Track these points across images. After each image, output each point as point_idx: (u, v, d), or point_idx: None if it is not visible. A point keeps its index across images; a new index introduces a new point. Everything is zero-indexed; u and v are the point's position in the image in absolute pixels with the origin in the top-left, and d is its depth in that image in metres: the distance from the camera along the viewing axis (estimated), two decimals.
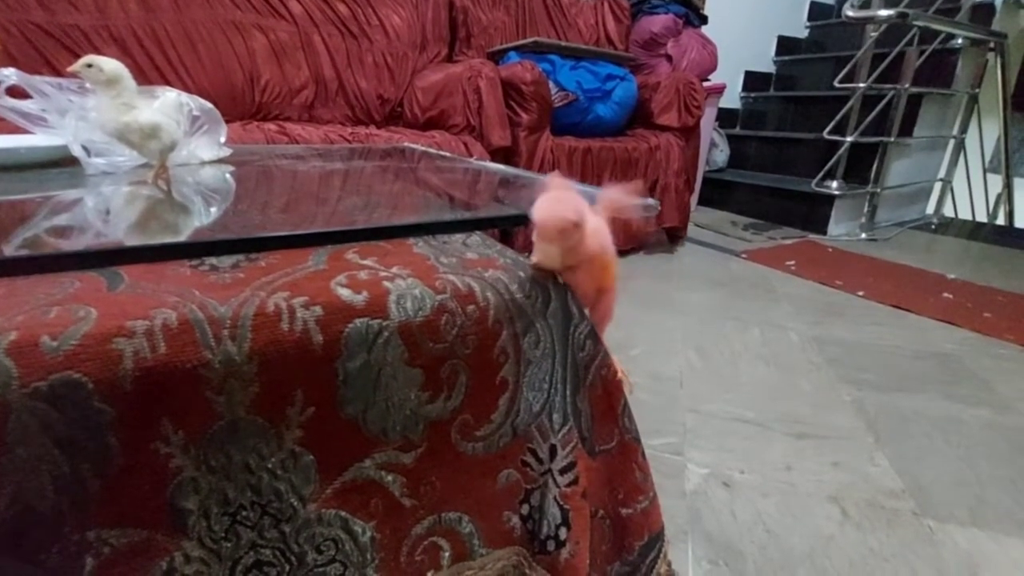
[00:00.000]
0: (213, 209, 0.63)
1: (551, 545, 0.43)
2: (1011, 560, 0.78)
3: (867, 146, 2.75)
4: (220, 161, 0.95)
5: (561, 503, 0.42)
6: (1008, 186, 3.20)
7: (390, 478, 0.38)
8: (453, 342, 0.37)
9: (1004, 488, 0.93)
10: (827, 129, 2.71)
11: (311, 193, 0.72)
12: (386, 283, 0.37)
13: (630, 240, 2.28)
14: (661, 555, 0.49)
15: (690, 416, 1.12)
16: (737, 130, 3.60)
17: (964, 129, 3.07)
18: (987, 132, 3.10)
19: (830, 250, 2.52)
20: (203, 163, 0.92)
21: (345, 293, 0.35)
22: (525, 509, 0.44)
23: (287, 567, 0.37)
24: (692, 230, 2.70)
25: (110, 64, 0.65)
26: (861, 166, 2.83)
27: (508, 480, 0.43)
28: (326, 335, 0.34)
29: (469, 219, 0.52)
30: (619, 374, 0.54)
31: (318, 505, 0.36)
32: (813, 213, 2.83)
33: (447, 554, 0.42)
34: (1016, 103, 3.17)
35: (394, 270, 0.39)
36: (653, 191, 2.27)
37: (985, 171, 3.30)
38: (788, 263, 2.25)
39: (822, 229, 2.79)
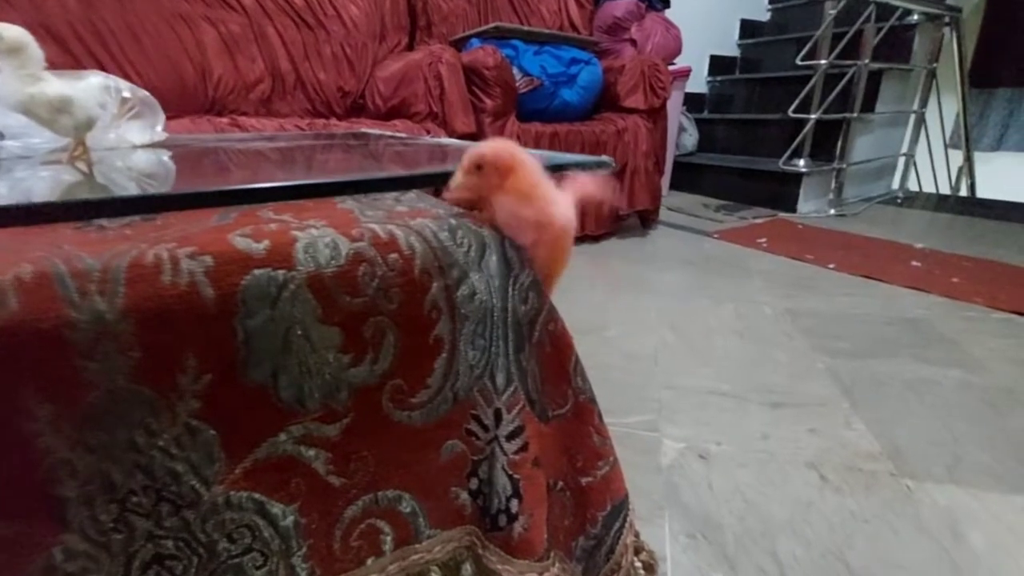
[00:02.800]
0: (135, 189, 0.57)
1: (502, 520, 0.39)
2: (991, 514, 0.77)
3: (831, 123, 2.78)
4: (155, 145, 0.89)
5: (510, 472, 0.38)
6: (969, 159, 3.27)
7: (311, 453, 0.34)
8: (374, 296, 0.33)
9: (980, 445, 0.93)
10: (792, 107, 2.73)
11: (244, 168, 0.67)
12: (294, 232, 0.33)
13: (602, 225, 2.26)
14: (627, 524, 0.45)
15: (665, 392, 1.10)
16: (705, 114, 3.61)
17: (924, 104, 3.12)
18: (946, 107, 3.16)
19: (800, 227, 2.54)
20: (135, 147, 0.86)
21: (242, 242, 0.31)
22: (474, 483, 0.40)
23: (195, 559, 0.32)
24: (664, 214, 2.70)
25: (11, 31, 0.59)
26: (827, 144, 2.86)
27: (452, 452, 0.39)
28: (218, 288, 0.29)
29: (400, 176, 0.48)
30: None
31: (226, 487, 0.32)
32: (782, 192, 2.85)
33: (389, 538, 0.38)
34: (973, 79, 3.24)
35: (308, 222, 0.35)
36: (623, 174, 2.25)
37: (946, 146, 3.37)
38: (760, 241, 2.25)
39: (792, 207, 2.82)
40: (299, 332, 0.32)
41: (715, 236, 2.36)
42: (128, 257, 0.28)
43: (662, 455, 0.90)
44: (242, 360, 0.31)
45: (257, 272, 0.30)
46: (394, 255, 0.34)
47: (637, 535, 0.49)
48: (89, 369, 0.28)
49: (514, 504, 0.39)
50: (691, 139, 3.47)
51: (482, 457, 0.40)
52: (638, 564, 0.48)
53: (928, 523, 0.75)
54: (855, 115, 2.73)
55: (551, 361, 0.40)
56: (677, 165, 3.29)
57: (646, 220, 2.49)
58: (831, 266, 1.91)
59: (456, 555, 0.41)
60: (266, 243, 0.31)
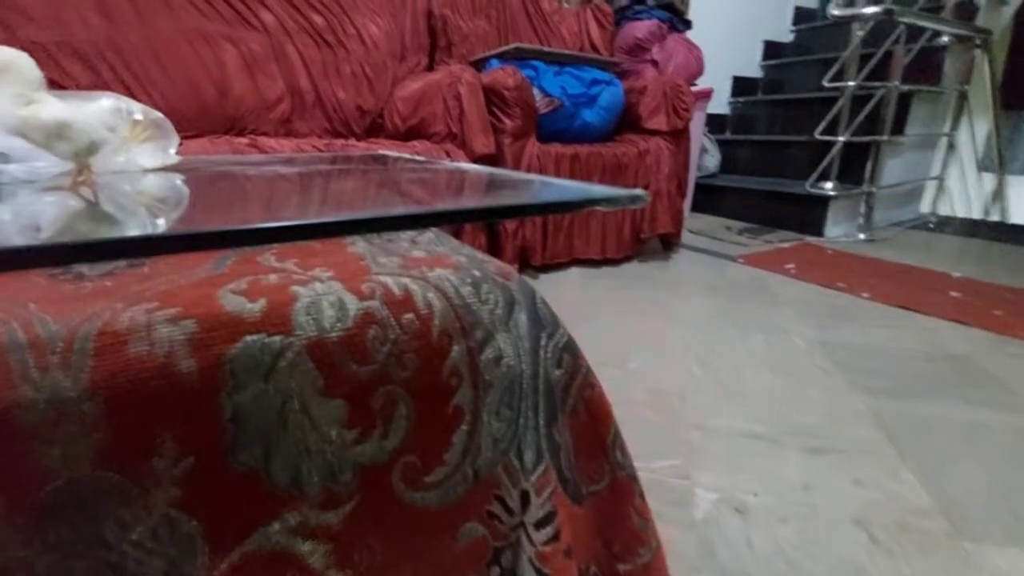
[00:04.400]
0: (137, 217, 0.54)
1: None
2: None
3: (859, 146, 2.70)
4: (167, 169, 0.87)
5: (539, 566, 0.33)
6: (1001, 183, 3.16)
7: (307, 547, 0.29)
8: (385, 362, 0.29)
9: None
10: (819, 129, 2.67)
11: (254, 196, 0.64)
12: (296, 288, 0.28)
13: (623, 248, 2.21)
14: None
15: (695, 433, 1.03)
16: (727, 135, 3.56)
17: (955, 126, 3.03)
18: (978, 130, 3.06)
19: (829, 252, 2.45)
20: (145, 171, 0.83)
21: (233, 302, 0.26)
22: (495, 573, 0.35)
23: None
24: (686, 237, 2.64)
25: (1, 52, 0.56)
26: (854, 167, 2.78)
27: (471, 537, 0.34)
28: (201, 359, 0.25)
29: (419, 214, 0.43)
30: None
31: None
32: (809, 215, 2.77)
33: None
34: (1004, 100, 3.14)
35: (313, 272, 0.30)
36: None
37: (978, 169, 3.26)
38: (787, 266, 2.17)
39: (819, 231, 2.73)
40: (297, 407, 0.27)
41: (740, 261, 2.28)
42: (99, 322, 0.24)
43: (695, 507, 0.83)
44: (229, 441, 0.26)
45: (249, 339, 0.26)
46: (410, 315, 0.29)
47: None
48: (48, 455, 0.23)
49: None
50: (713, 160, 3.41)
51: (505, 544, 0.34)
52: None
53: None
54: (885, 138, 2.66)
55: (587, 432, 0.35)
56: (699, 187, 3.23)
57: (668, 243, 2.43)
58: (865, 295, 1.83)
59: None
60: (262, 303, 0.27)
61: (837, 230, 2.74)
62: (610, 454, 0.35)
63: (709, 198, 3.25)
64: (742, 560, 0.73)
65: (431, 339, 0.30)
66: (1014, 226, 2.99)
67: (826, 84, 2.64)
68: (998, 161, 3.10)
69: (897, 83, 2.61)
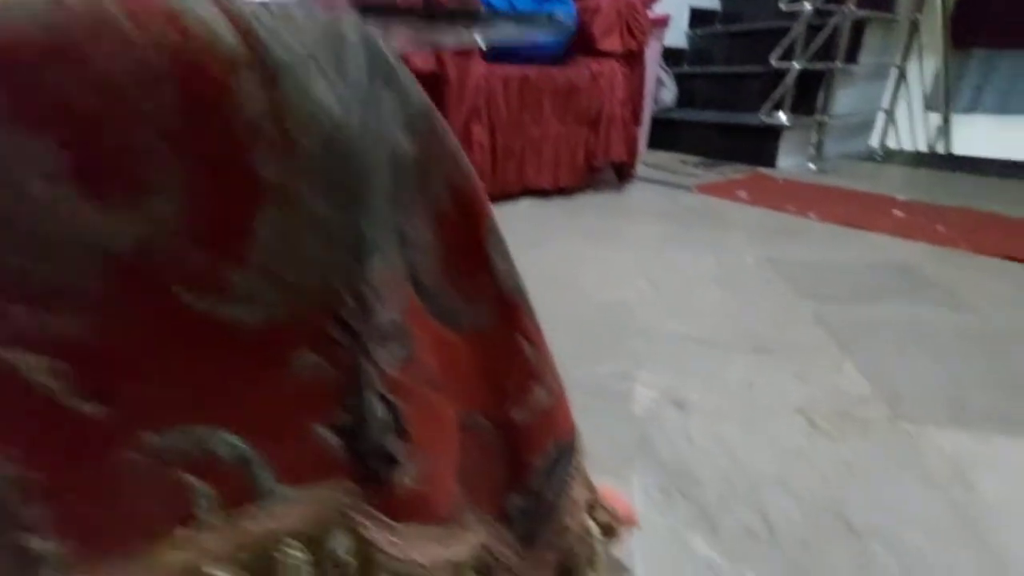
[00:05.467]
0: None
1: (379, 467, 0.26)
2: (1001, 459, 0.68)
3: (813, 76, 2.66)
4: None
5: (386, 395, 0.25)
6: (947, 119, 3.20)
7: (30, 361, 0.20)
8: (123, 91, 0.19)
9: (983, 388, 0.84)
10: (775, 55, 2.60)
11: None
12: None
13: (575, 177, 2.12)
14: (575, 474, 0.33)
15: (641, 341, 0.98)
16: (684, 68, 3.46)
17: (906, 57, 3.02)
18: (927, 67, 3.07)
19: (780, 181, 2.44)
20: None
21: None
22: (343, 418, 0.27)
23: None
24: (642, 170, 2.57)
25: None
26: (808, 97, 2.75)
27: (306, 369, 0.26)
28: None
29: None
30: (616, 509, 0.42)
31: None
32: (762, 147, 2.74)
33: (205, 499, 0.25)
34: (953, 37, 3.14)
35: None
36: (598, 123, 2.10)
37: (925, 108, 3.29)
38: (739, 193, 2.15)
39: (771, 162, 2.72)
40: None
41: (694, 190, 2.24)
42: None
43: (635, 404, 0.79)
44: None
45: None
46: (171, 31, 0.20)
47: (592, 489, 0.38)
48: None
49: (395, 444, 0.26)
50: (670, 94, 3.32)
51: (352, 380, 0.26)
52: (594, 526, 0.36)
53: (933, 471, 0.66)
54: (838, 65, 2.62)
55: (457, 234, 0.27)
56: (655, 122, 3.15)
57: (622, 174, 2.36)
58: (813, 216, 1.82)
59: (323, 522, 0.28)
60: None
61: (789, 161, 2.73)
62: (490, 262, 0.27)
63: (666, 133, 3.18)
64: (680, 452, 0.70)
65: (207, 69, 0.20)
66: (958, 157, 3.05)
67: (783, 8, 2.56)
68: (944, 100, 3.13)
69: (852, 7, 2.55)
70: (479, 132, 1.84)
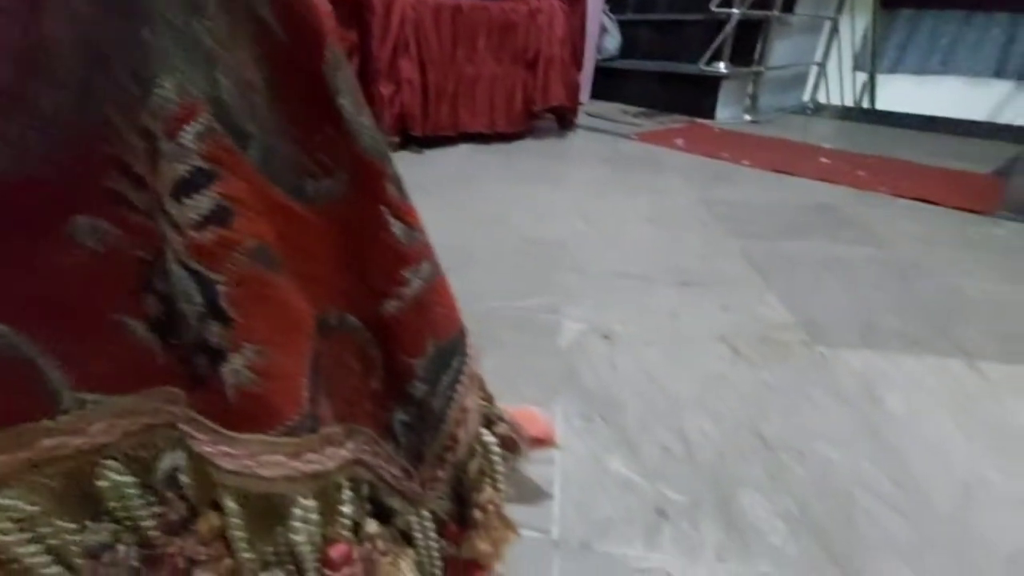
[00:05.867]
0: None
1: (200, 362, 0.21)
2: (905, 375, 0.71)
3: (751, 28, 2.66)
4: None
5: (193, 265, 0.19)
6: (872, 79, 3.32)
7: None
8: None
9: (892, 312, 0.87)
10: (714, 2, 2.58)
11: None
12: None
13: (514, 123, 2.04)
14: (463, 378, 0.29)
15: (571, 276, 0.96)
16: (628, 15, 3.38)
17: (839, 10, 3.08)
18: (857, 25, 3.14)
19: (717, 131, 2.46)
20: None
21: None
22: (154, 307, 0.21)
23: None
24: (583, 119, 2.52)
25: None
26: (745, 48, 2.76)
27: (88, 239, 0.20)
28: None
29: None
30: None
31: None
32: (701, 98, 2.75)
33: None
34: None
35: None
36: (536, 64, 2.01)
37: (853, 68, 3.39)
38: (677, 141, 2.15)
39: (710, 114, 2.74)
40: None
41: (633, 138, 2.22)
42: None
43: (561, 337, 0.77)
44: None
45: None
46: None
47: (488, 398, 0.34)
48: None
49: (215, 332, 0.20)
50: (613, 42, 3.25)
51: (155, 254, 0.21)
52: (490, 438, 0.33)
53: (844, 388, 0.68)
54: (776, 13, 2.63)
55: (289, 65, 0.21)
56: (599, 71, 3.09)
57: (563, 120, 2.30)
58: (745, 163, 1.84)
59: (147, 440, 0.23)
60: None
61: (726, 112, 2.75)
62: (337, 106, 0.22)
63: (609, 83, 3.13)
64: (605, 381, 0.68)
65: None
66: (881, 112, 3.18)
67: None
68: (871, 60, 3.23)
69: None
70: (408, 68, 1.72)
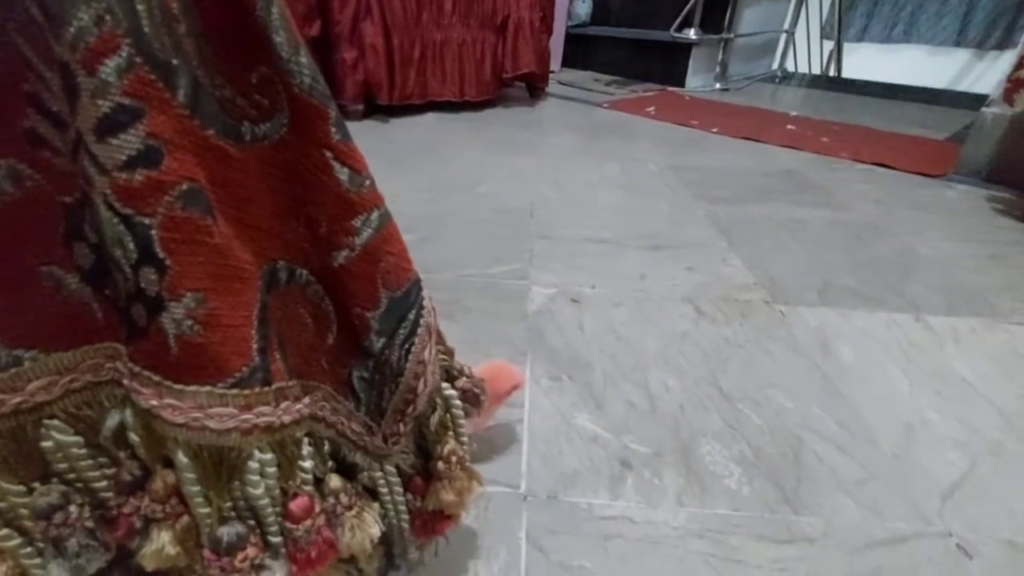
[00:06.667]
0: None
1: (139, 314, 0.21)
2: (857, 329, 0.74)
3: None
4: None
5: (121, 209, 0.19)
6: (839, 45, 3.35)
7: None
8: None
9: (848, 272, 0.90)
10: None
11: None
12: None
13: (484, 90, 2.00)
14: (419, 330, 0.29)
15: (539, 243, 0.96)
16: None
17: None
18: None
19: (687, 98, 2.47)
20: None
21: None
22: (84, 257, 0.21)
23: None
24: (555, 88, 2.49)
25: None
26: (716, 15, 2.74)
27: (12, 182, 0.19)
28: None
29: None
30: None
31: None
32: (673, 66, 2.74)
33: None
34: None
35: None
36: (505, 28, 1.97)
37: (821, 37, 3.41)
38: (648, 109, 2.14)
39: (680, 82, 2.74)
40: None
41: (604, 106, 2.21)
42: None
43: (529, 302, 0.77)
44: None
45: None
46: None
47: (448, 352, 0.34)
48: None
49: (151, 279, 0.20)
50: (584, 7, 3.19)
51: (82, 194, 0.20)
52: (451, 391, 0.33)
53: (800, 342, 0.71)
54: None
55: None
56: (569, 38, 3.04)
57: (534, 89, 2.27)
58: (714, 130, 1.86)
59: (88, 397, 0.22)
60: None
61: (696, 80, 2.75)
62: (268, 39, 0.21)
63: (580, 51, 3.08)
64: (572, 341, 0.69)
65: None
66: (845, 79, 3.22)
67: None
68: (837, 29, 3.26)
69: None
70: (371, 32, 1.66)
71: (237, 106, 0.22)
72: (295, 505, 0.28)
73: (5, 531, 0.24)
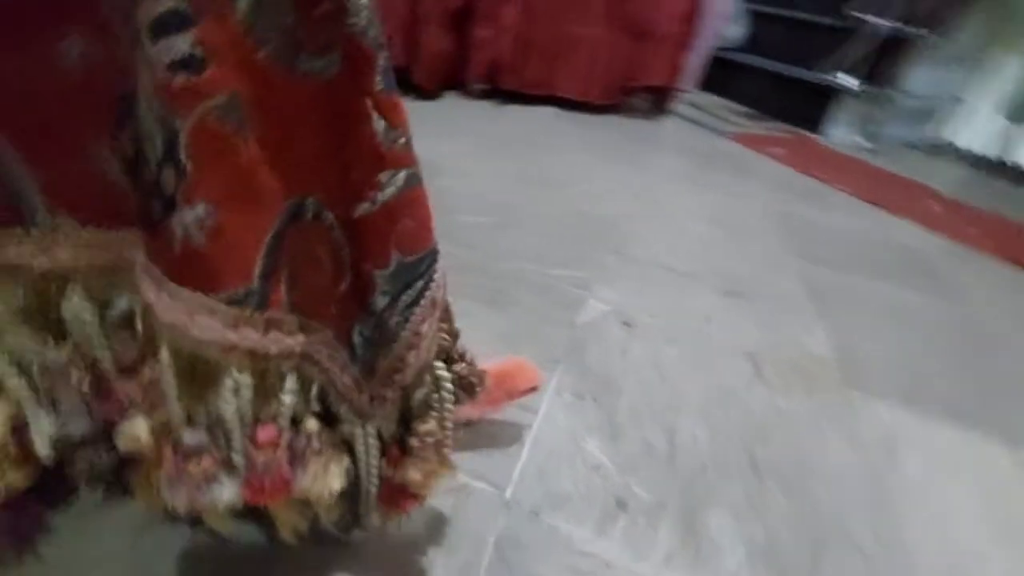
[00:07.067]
0: None
1: (156, 209, 0.22)
2: (935, 444, 0.64)
3: (891, 43, 2.39)
4: None
5: (157, 104, 0.20)
6: (1016, 128, 2.92)
7: None
8: None
9: (947, 377, 0.78)
10: (855, 5, 2.33)
11: None
12: None
13: (607, 94, 1.96)
14: (424, 301, 0.29)
15: (611, 257, 0.93)
16: (759, 6, 3.12)
17: (994, 43, 2.71)
18: (1012, 65, 2.75)
19: (822, 148, 2.27)
20: None
21: None
22: (126, 146, 0.22)
23: None
24: (683, 107, 2.40)
25: None
26: (879, 66, 2.49)
27: (74, 60, 0.20)
28: None
29: None
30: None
31: None
32: (816, 110, 2.53)
33: None
34: None
35: None
36: (646, 36, 1.91)
37: (998, 114, 2.99)
38: (774, 149, 2.00)
39: (822, 129, 2.52)
40: None
41: (728, 136, 2.09)
42: None
43: (582, 313, 0.75)
44: None
45: None
46: None
47: (452, 333, 0.33)
48: None
49: (167, 177, 0.21)
50: (738, 31, 3.02)
51: (130, 85, 0.21)
52: (444, 372, 0.32)
53: (863, 437, 0.62)
54: (925, 34, 2.35)
55: None
56: (713, 60, 2.89)
57: (659, 103, 2.19)
58: (842, 187, 1.69)
59: (108, 277, 0.24)
60: None
61: (839, 132, 2.52)
62: None
63: (721, 74, 2.92)
64: (609, 364, 0.66)
65: None
66: (1021, 169, 2.82)
67: None
68: (1020, 108, 2.84)
69: None
70: (511, 14, 1.68)
71: (298, 35, 0.22)
72: (261, 433, 0.29)
73: (19, 380, 0.27)
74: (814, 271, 1.04)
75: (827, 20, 2.74)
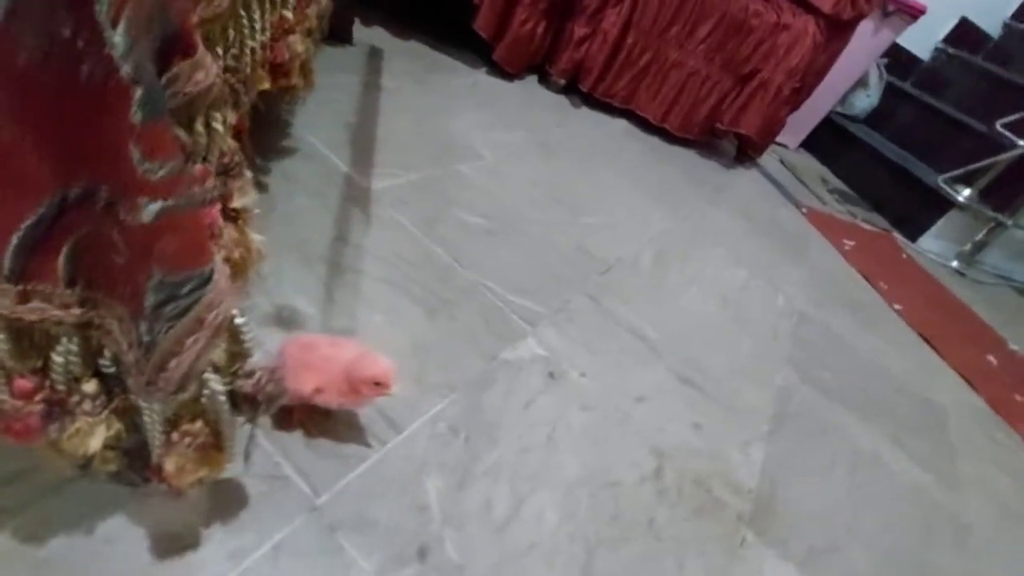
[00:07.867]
0: None
1: None
2: None
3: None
4: None
5: None
6: None
7: None
8: None
9: (875, 558, 0.71)
10: (1003, 121, 2.08)
11: None
12: None
13: (689, 128, 1.86)
14: (187, 316, 0.29)
15: (583, 301, 0.89)
16: (905, 84, 2.84)
17: None
18: None
19: (904, 256, 2.07)
20: None
21: None
22: None
23: None
24: (770, 164, 2.25)
25: None
26: (1003, 189, 2.22)
27: None
28: None
29: None
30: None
31: None
32: (916, 213, 2.30)
33: None
34: None
35: None
36: (748, 80, 1.79)
37: None
38: (846, 242, 1.84)
39: (913, 235, 2.29)
40: None
41: (803, 211, 1.94)
42: None
43: (512, 349, 0.73)
44: None
45: None
46: None
47: (240, 354, 0.33)
48: None
49: None
50: (866, 101, 2.78)
51: None
52: (216, 385, 0.33)
53: None
54: None
55: None
56: (828, 123, 2.67)
57: (742, 154, 2.06)
58: (897, 307, 1.54)
59: None
60: None
61: (933, 244, 2.29)
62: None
63: (829, 141, 2.71)
64: (505, 410, 0.64)
65: None
66: None
67: None
68: None
69: None
70: (611, 19, 1.61)
71: (75, 43, 0.22)
72: (16, 385, 0.30)
73: None
74: (798, 391, 0.96)
75: (970, 121, 2.47)
